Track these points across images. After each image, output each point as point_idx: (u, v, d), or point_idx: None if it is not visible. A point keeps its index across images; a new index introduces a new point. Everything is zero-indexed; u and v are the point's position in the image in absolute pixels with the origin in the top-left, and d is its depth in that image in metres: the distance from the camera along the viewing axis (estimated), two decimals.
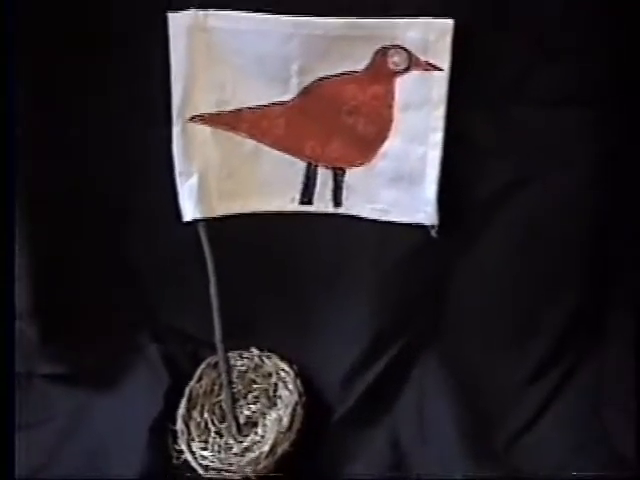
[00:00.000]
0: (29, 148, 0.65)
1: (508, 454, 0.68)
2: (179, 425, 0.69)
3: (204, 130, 0.63)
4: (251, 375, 0.75)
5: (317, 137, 0.64)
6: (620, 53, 0.59)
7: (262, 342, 0.77)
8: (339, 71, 0.61)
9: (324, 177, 0.65)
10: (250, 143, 0.64)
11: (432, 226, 0.63)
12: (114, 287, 0.76)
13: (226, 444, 0.69)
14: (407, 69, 0.59)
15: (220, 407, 0.72)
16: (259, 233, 0.69)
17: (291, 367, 0.74)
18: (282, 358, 0.75)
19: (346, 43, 0.59)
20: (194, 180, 0.63)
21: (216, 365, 0.73)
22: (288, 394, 0.71)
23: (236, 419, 0.71)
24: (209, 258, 0.65)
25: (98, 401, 0.75)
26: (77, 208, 0.72)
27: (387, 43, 0.59)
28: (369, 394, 0.71)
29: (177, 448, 0.69)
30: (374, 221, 0.66)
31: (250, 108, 0.63)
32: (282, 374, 0.73)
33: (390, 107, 0.61)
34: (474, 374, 0.72)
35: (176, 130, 0.62)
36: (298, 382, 0.72)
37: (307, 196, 0.66)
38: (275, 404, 0.72)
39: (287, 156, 0.65)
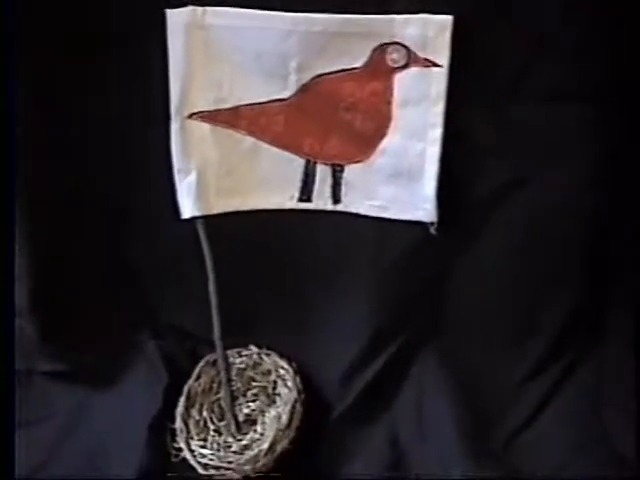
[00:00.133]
0: (29, 147, 0.65)
1: (507, 453, 0.68)
2: (178, 423, 0.69)
3: (202, 127, 0.63)
4: (250, 373, 0.75)
5: (316, 134, 0.63)
6: (620, 51, 0.58)
7: (261, 340, 0.77)
8: (338, 68, 0.61)
9: (323, 174, 0.65)
10: (249, 140, 0.64)
11: (431, 223, 0.63)
12: (113, 285, 0.77)
13: (225, 442, 0.69)
14: (406, 65, 0.59)
15: (219, 405, 0.72)
16: (258, 230, 0.69)
17: (290, 365, 0.74)
18: (281, 356, 0.75)
19: (345, 40, 0.59)
20: (192, 177, 0.63)
21: (215, 363, 0.73)
22: (287, 392, 0.71)
23: (235, 417, 0.71)
24: (208, 256, 0.65)
25: (97, 399, 0.75)
26: (76, 206, 0.72)
27: (386, 40, 0.59)
28: (368, 392, 0.71)
29: (176, 446, 0.69)
30: (373, 218, 0.66)
31: (248, 105, 0.63)
32: (281, 372, 0.73)
33: (389, 103, 0.61)
34: (473, 372, 0.72)
35: (174, 127, 0.62)
36: (297, 380, 0.72)
37: (306, 193, 0.66)
38: (274, 402, 0.72)
39: (286, 153, 0.65)
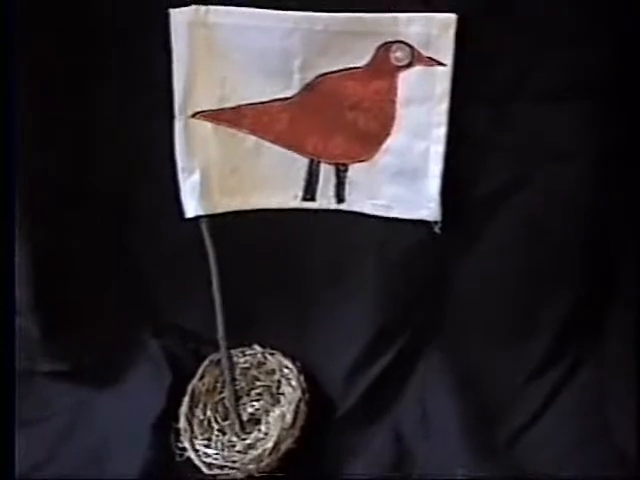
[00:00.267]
0: (31, 145, 0.65)
1: (511, 450, 0.68)
2: (182, 423, 0.69)
3: (206, 126, 0.63)
4: (254, 372, 0.75)
5: (319, 133, 0.63)
6: (623, 49, 0.58)
7: (265, 339, 0.76)
8: (341, 66, 0.60)
9: (327, 173, 0.65)
10: (252, 139, 0.64)
11: (435, 222, 0.63)
12: (116, 284, 0.76)
13: (229, 441, 0.69)
14: (410, 64, 0.59)
15: (223, 405, 0.72)
16: (261, 230, 0.69)
17: (294, 364, 0.74)
18: (285, 355, 0.75)
19: (348, 38, 0.59)
20: (196, 176, 0.63)
21: (219, 362, 0.72)
22: (291, 391, 0.71)
23: (239, 416, 0.70)
24: (211, 255, 0.64)
25: (100, 399, 0.75)
26: (79, 205, 0.72)
27: (389, 38, 0.58)
28: (372, 391, 0.72)
29: (180, 446, 0.68)
30: (377, 217, 0.66)
31: (252, 104, 0.62)
32: (285, 371, 0.73)
33: (393, 102, 0.61)
34: (477, 371, 0.72)
35: (178, 126, 0.62)
36: (301, 379, 0.72)
37: (310, 192, 0.66)
38: (278, 401, 0.72)
39: (289, 152, 0.64)
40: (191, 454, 0.67)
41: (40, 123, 0.66)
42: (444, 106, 0.60)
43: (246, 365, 0.75)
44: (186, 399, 0.71)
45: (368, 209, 0.66)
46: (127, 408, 0.73)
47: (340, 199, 0.66)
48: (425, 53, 0.58)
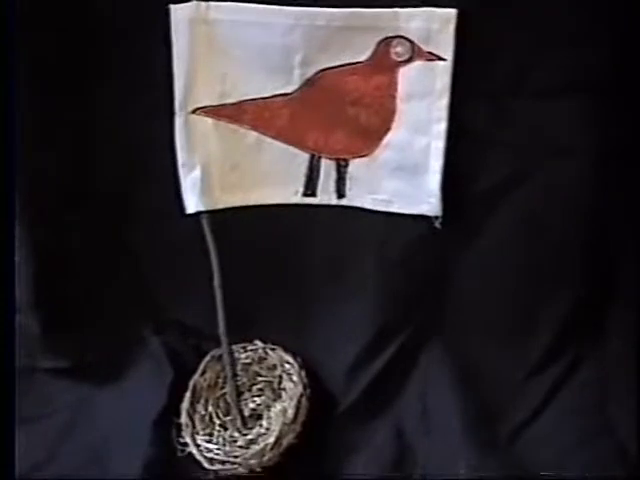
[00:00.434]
0: (31, 142, 0.65)
1: (512, 446, 0.68)
2: (183, 418, 0.69)
3: (206, 122, 0.63)
4: (255, 368, 0.75)
5: (320, 128, 0.63)
6: (623, 45, 0.58)
7: (266, 334, 0.76)
8: (342, 62, 0.60)
9: (327, 169, 0.65)
10: (253, 135, 0.64)
11: (436, 217, 0.63)
12: (117, 280, 0.76)
13: (231, 437, 0.69)
14: (410, 59, 0.59)
15: (224, 400, 0.72)
16: (262, 225, 0.69)
17: (295, 359, 0.74)
18: (286, 350, 0.75)
19: (349, 33, 0.59)
20: (197, 172, 0.63)
21: (220, 358, 0.72)
22: (293, 386, 0.71)
23: (241, 412, 0.71)
24: (212, 251, 0.64)
25: (101, 395, 0.75)
26: (79, 200, 0.71)
27: (390, 33, 0.59)
28: (373, 386, 0.72)
29: (182, 441, 0.68)
30: (378, 212, 0.66)
31: (253, 100, 0.63)
32: (286, 366, 0.73)
33: (393, 98, 0.61)
34: (478, 367, 0.72)
35: (179, 122, 0.62)
36: (302, 374, 0.72)
37: (311, 188, 0.66)
38: (280, 396, 0.72)
39: (290, 148, 0.64)
40: (193, 449, 0.67)
41: (40, 123, 0.66)
42: (444, 101, 0.60)
43: (247, 361, 0.75)
44: (188, 394, 0.71)
45: (369, 204, 0.66)
46: (128, 405, 0.73)
47: (341, 194, 0.66)
48: (425, 48, 0.58)
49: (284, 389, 0.72)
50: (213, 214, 0.64)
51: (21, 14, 0.58)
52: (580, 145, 0.63)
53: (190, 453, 0.67)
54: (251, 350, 0.76)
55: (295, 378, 0.72)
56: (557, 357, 0.71)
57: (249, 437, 0.68)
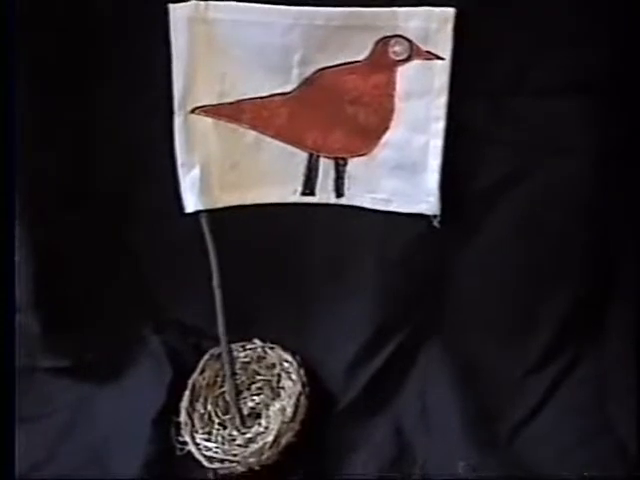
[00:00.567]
0: (31, 141, 0.65)
1: (511, 444, 0.68)
2: (182, 417, 0.69)
3: (205, 122, 0.63)
4: (254, 366, 0.75)
5: (319, 127, 0.64)
6: (622, 44, 0.58)
7: (265, 333, 0.77)
8: (340, 61, 0.60)
9: (326, 167, 0.65)
10: (252, 134, 0.64)
11: (435, 216, 0.63)
12: (116, 280, 0.77)
13: (230, 435, 0.69)
14: (408, 58, 0.59)
15: (223, 399, 0.72)
16: (261, 224, 0.69)
17: (294, 358, 0.74)
18: (285, 349, 0.75)
19: (347, 33, 0.59)
20: (196, 171, 0.63)
21: (219, 357, 0.73)
22: (291, 385, 0.71)
23: (240, 410, 0.71)
24: (211, 250, 0.65)
25: (101, 394, 0.76)
26: (79, 200, 0.72)
27: (388, 32, 0.59)
28: (372, 384, 0.72)
29: (181, 440, 0.68)
30: (376, 211, 0.66)
31: (251, 99, 0.63)
32: (285, 365, 0.73)
33: (392, 97, 0.61)
34: (477, 365, 0.72)
35: (178, 122, 0.62)
36: (301, 372, 0.72)
37: (309, 187, 0.66)
38: (278, 395, 0.72)
39: (289, 147, 0.65)
40: (192, 448, 0.67)
41: (40, 123, 0.66)
42: (443, 100, 0.60)
43: (246, 359, 0.76)
44: (187, 393, 0.71)
45: (367, 203, 0.66)
46: (128, 404, 0.74)
47: (339, 193, 0.66)
48: (424, 47, 0.58)
49: (283, 388, 0.72)
50: (212, 213, 0.64)
51: (21, 14, 0.59)
52: (580, 145, 0.63)
53: (189, 452, 0.67)
54: (250, 349, 0.76)
55: (294, 377, 0.72)
56: (556, 356, 0.72)
57: (248, 436, 0.68)
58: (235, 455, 0.65)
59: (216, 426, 0.70)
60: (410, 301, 0.72)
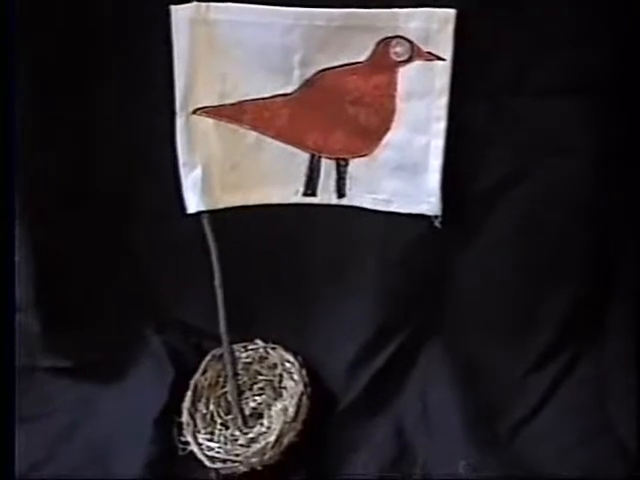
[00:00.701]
0: (30, 143, 0.65)
1: (511, 443, 0.69)
2: (185, 417, 0.70)
3: (207, 122, 0.63)
4: (256, 367, 0.76)
5: (320, 128, 0.64)
6: (622, 44, 0.59)
7: (267, 334, 0.77)
8: (341, 62, 0.61)
9: (327, 168, 0.65)
10: (253, 135, 0.64)
11: (436, 217, 0.63)
12: (118, 280, 0.77)
13: (232, 435, 0.69)
14: (409, 59, 0.59)
15: (225, 399, 0.72)
16: (263, 225, 0.69)
17: (296, 358, 0.74)
18: (287, 349, 0.75)
19: (348, 34, 0.59)
20: (198, 172, 0.63)
21: (221, 357, 0.73)
22: (293, 385, 0.71)
23: (242, 410, 0.71)
24: (213, 250, 0.65)
25: (102, 394, 0.76)
26: (80, 199, 0.72)
27: (389, 33, 0.59)
28: (374, 384, 0.72)
29: (183, 440, 0.69)
30: (377, 212, 0.66)
31: (253, 100, 0.63)
32: (287, 365, 0.74)
33: (393, 97, 0.61)
34: (478, 365, 0.72)
35: (179, 122, 0.62)
36: (303, 373, 0.72)
37: (311, 188, 0.66)
38: (280, 395, 0.72)
39: (290, 148, 0.65)
40: (194, 448, 0.67)
41: (40, 123, 0.66)
42: (444, 100, 0.60)
43: (248, 360, 0.76)
44: (189, 393, 0.71)
45: (368, 204, 0.66)
46: (130, 404, 0.74)
47: (341, 194, 0.66)
48: (424, 48, 0.59)
49: (285, 388, 0.72)
50: (214, 214, 0.64)
51: (21, 14, 0.59)
52: (580, 145, 0.63)
53: (191, 452, 0.67)
54: (252, 349, 0.77)
55: (296, 377, 0.72)
56: (556, 355, 0.72)
57: (250, 436, 0.68)
58: (237, 455, 0.66)
59: (218, 426, 0.70)
60: (411, 301, 0.72)
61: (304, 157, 0.65)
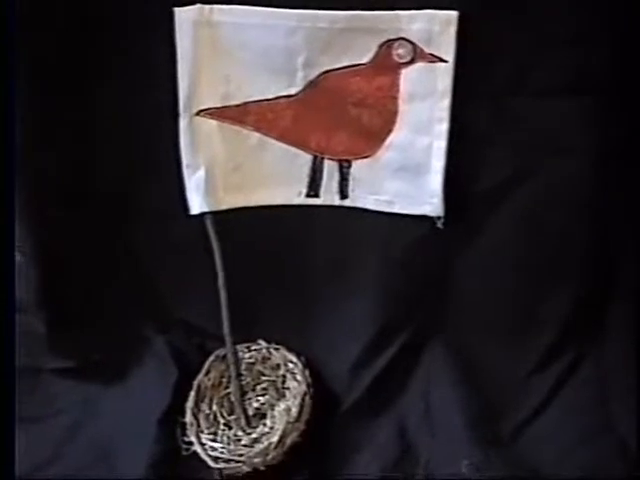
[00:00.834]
0: (30, 143, 0.65)
1: (514, 443, 0.69)
2: (188, 417, 0.70)
3: (210, 124, 0.63)
4: (259, 367, 0.76)
5: (323, 130, 0.64)
6: (622, 44, 0.59)
7: (270, 334, 0.77)
8: (344, 64, 0.61)
9: (330, 169, 0.65)
10: (256, 136, 0.64)
11: (438, 217, 0.64)
12: (120, 281, 0.77)
13: (235, 435, 0.69)
14: (412, 61, 0.60)
15: (229, 399, 0.72)
16: (266, 226, 0.70)
17: (299, 358, 0.74)
18: (290, 350, 0.75)
19: (351, 36, 0.59)
20: (201, 173, 0.63)
21: (224, 358, 0.73)
22: (296, 385, 0.71)
23: (245, 411, 0.71)
24: (216, 251, 0.65)
25: (106, 394, 0.76)
26: (85, 200, 0.72)
27: (392, 35, 0.59)
28: (376, 384, 0.72)
29: (186, 440, 0.69)
30: (380, 213, 0.66)
31: (256, 101, 0.63)
32: (290, 365, 0.74)
33: (395, 99, 0.61)
34: (480, 365, 0.73)
35: (183, 124, 0.62)
36: (306, 373, 0.72)
37: (314, 189, 0.66)
38: (283, 395, 0.72)
39: (293, 149, 0.65)
40: (197, 448, 0.67)
41: (40, 123, 0.66)
42: (446, 102, 0.60)
43: (251, 360, 0.76)
44: (192, 394, 0.71)
45: (371, 205, 0.66)
46: (133, 404, 0.74)
47: (344, 195, 0.66)
48: (427, 50, 0.59)
49: (288, 388, 0.73)
50: (217, 214, 0.64)
51: (21, 14, 0.59)
52: (580, 145, 0.63)
53: (195, 452, 0.68)
54: (255, 350, 0.77)
55: (299, 377, 0.72)
56: (558, 355, 0.72)
57: (253, 436, 0.68)
58: (240, 455, 0.66)
59: (221, 426, 0.70)
60: (413, 302, 0.72)
61: (307, 158, 0.65)
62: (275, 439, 0.66)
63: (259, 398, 0.74)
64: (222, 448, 0.67)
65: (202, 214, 0.64)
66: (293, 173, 0.66)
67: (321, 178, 0.66)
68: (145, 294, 0.78)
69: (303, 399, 0.69)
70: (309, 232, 0.71)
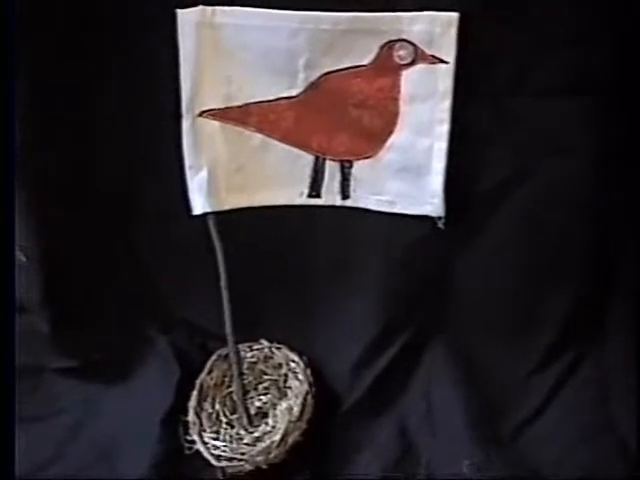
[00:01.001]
0: (30, 143, 0.65)
1: (514, 443, 0.69)
2: (191, 416, 0.70)
3: (213, 125, 0.63)
4: (261, 366, 0.76)
5: (324, 131, 0.64)
6: (622, 44, 0.59)
7: (272, 334, 0.77)
8: (345, 65, 0.61)
9: (332, 170, 0.66)
10: (258, 137, 0.65)
11: (439, 218, 0.64)
12: (124, 281, 0.77)
13: (237, 434, 0.69)
14: (413, 62, 0.60)
15: (231, 398, 0.73)
16: (268, 226, 0.70)
17: (301, 358, 0.74)
18: (292, 349, 0.75)
19: (352, 37, 0.60)
20: (204, 174, 0.63)
21: (226, 357, 0.73)
22: (298, 384, 0.71)
23: (247, 410, 0.71)
24: (219, 251, 0.65)
25: (109, 394, 0.76)
26: (88, 200, 0.72)
27: (393, 37, 0.59)
28: (378, 384, 0.72)
29: (189, 439, 0.69)
30: (381, 213, 0.66)
31: (258, 102, 0.63)
32: (292, 365, 0.74)
33: (396, 100, 0.62)
34: (481, 365, 0.73)
35: (185, 125, 0.62)
36: (308, 372, 0.73)
37: (315, 189, 0.66)
38: (285, 394, 0.73)
39: (295, 150, 0.65)
40: (200, 447, 0.67)
41: (40, 123, 0.66)
42: (447, 103, 0.60)
43: (253, 359, 0.76)
44: (195, 393, 0.72)
45: (372, 205, 0.66)
46: (136, 403, 0.74)
47: (345, 195, 0.66)
48: (428, 51, 0.59)
49: (290, 387, 0.73)
50: (219, 215, 0.65)
51: (21, 14, 0.59)
52: (580, 145, 0.63)
53: (197, 451, 0.68)
54: (257, 349, 0.77)
55: (301, 376, 0.72)
56: (559, 355, 0.72)
57: (255, 435, 0.68)
58: (243, 454, 0.66)
59: (224, 425, 0.70)
60: (414, 302, 0.72)
61: (309, 159, 0.66)
62: (277, 438, 0.66)
63: (261, 397, 0.74)
64: (224, 447, 0.67)
65: (204, 214, 0.64)
66: (295, 174, 0.66)
67: (323, 179, 0.66)
68: (148, 294, 0.78)
69: (305, 398, 0.70)
70: (311, 232, 0.71)
